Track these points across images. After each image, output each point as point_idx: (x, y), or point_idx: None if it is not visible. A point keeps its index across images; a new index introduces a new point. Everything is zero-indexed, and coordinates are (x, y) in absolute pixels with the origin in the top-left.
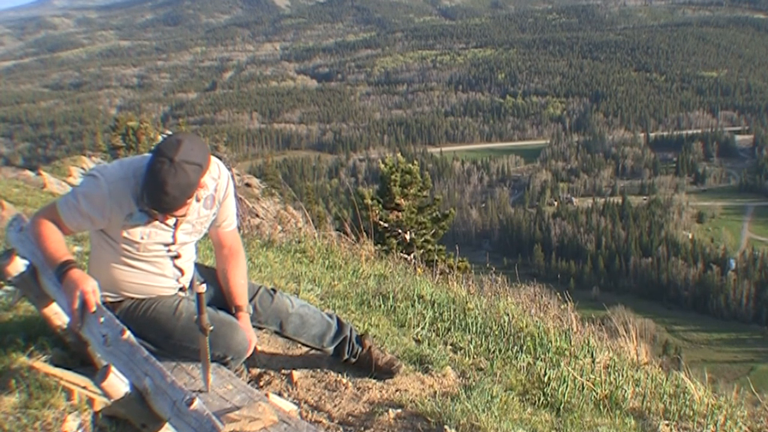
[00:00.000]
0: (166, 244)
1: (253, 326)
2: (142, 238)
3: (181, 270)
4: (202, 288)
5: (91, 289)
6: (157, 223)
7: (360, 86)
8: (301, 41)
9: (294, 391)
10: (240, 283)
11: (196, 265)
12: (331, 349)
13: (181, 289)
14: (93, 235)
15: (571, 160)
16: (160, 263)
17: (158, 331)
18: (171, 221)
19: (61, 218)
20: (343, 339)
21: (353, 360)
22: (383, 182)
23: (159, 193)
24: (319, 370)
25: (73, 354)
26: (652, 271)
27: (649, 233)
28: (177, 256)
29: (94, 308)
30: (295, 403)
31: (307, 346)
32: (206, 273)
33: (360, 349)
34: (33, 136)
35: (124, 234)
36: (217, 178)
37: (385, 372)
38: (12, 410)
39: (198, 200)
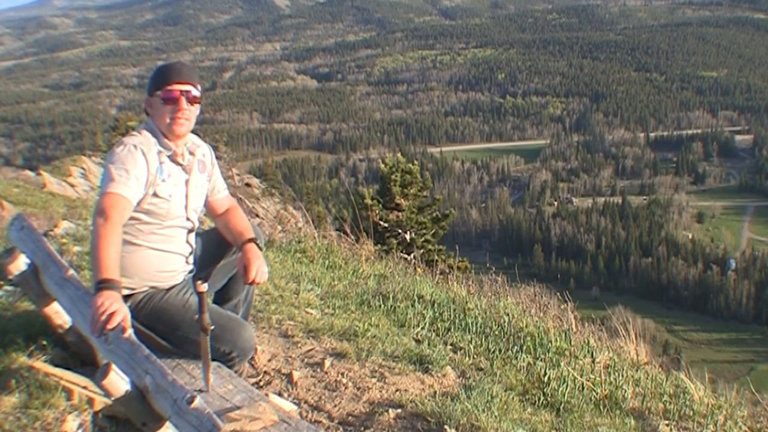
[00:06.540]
0: (183, 210)
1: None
2: (170, 195)
3: (191, 245)
4: (204, 287)
5: (121, 317)
6: (175, 173)
7: (360, 86)
8: (301, 41)
9: (294, 391)
10: (243, 218)
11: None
12: None
13: (190, 272)
14: None
15: (571, 160)
16: (177, 237)
17: (167, 322)
18: (182, 177)
19: (115, 200)
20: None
21: None
22: (383, 182)
23: (173, 64)
24: (319, 369)
25: (73, 354)
26: (652, 271)
27: (649, 233)
28: (191, 230)
29: (111, 326)
30: (295, 403)
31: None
32: (206, 236)
33: None
34: (33, 136)
35: (157, 191)
36: (201, 146)
37: None
38: (12, 410)
39: (192, 154)
